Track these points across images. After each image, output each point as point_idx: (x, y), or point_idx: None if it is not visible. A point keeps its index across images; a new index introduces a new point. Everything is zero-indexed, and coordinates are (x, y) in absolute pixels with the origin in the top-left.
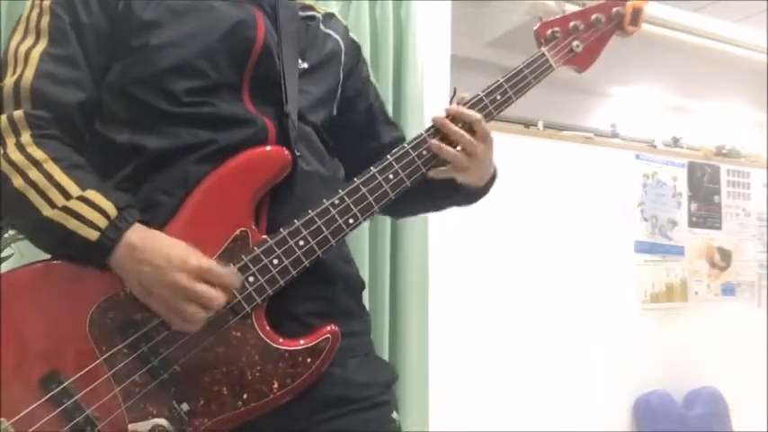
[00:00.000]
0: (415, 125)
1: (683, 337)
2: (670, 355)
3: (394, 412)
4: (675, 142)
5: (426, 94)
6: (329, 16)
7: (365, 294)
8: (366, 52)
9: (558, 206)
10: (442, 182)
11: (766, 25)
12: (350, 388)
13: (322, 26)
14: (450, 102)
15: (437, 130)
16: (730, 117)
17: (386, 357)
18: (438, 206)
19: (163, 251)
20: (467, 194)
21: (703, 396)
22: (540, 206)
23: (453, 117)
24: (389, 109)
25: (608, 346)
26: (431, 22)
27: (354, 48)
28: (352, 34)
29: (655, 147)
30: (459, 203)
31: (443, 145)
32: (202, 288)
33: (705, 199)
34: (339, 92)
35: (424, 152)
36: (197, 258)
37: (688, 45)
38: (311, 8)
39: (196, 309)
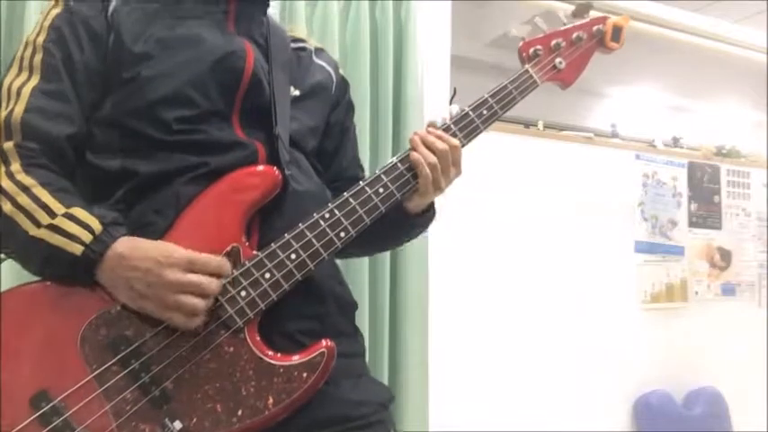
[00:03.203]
0: (415, 125)
1: (683, 337)
2: (670, 355)
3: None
4: (675, 142)
5: (426, 94)
6: (320, 50)
7: (365, 298)
8: (366, 52)
9: (558, 206)
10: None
11: (766, 25)
12: (345, 406)
13: (314, 57)
14: (450, 102)
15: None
16: (730, 117)
17: (386, 359)
18: (378, 246)
19: (148, 254)
20: (411, 225)
21: (703, 396)
22: (539, 206)
23: (434, 138)
24: (389, 109)
25: (608, 346)
26: (431, 22)
27: (344, 83)
28: (341, 71)
29: (655, 147)
30: (397, 239)
31: (425, 158)
32: (193, 277)
33: (705, 199)
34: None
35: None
36: (180, 251)
37: (688, 45)
38: (303, 40)
39: (192, 299)
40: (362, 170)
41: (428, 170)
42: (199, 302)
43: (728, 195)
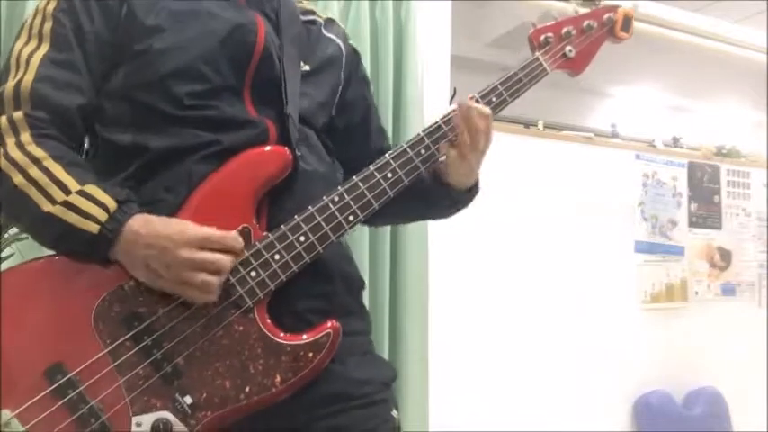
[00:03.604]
0: (415, 125)
1: (683, 337)
2: (670, 355)
3: (393, 410)
4: (675, 142)
5: (426, 94)
6: (330, 21)
7: (365, 295)
8: (366, 52)
9: (558, 206)
10: (429, 186)
11: (766, 25)
12: (349, 385)
13: (324, 30)
14: (450, 102)
15: (449, 120)
16: (730, 117)
17: (386, 357)
18: (420, 214)
19: (163, 232)
20: (452, 199)
21: (703, 396)
22: (539, 206)
23: (468, 108)
24: (389, 109)
25: (608, 346)
26: (431, 22)
27: (355, 54)
28: (351, 41)
29: (655, 147)
30: (441, 211)
31: (472, 110)
32: (207, 255)
33: (705, 199)
34: (339, 94)
35: (422, 151)
36: (194, 229)
37: (688, 45)
38: (312, 12)
39: (207, 276)
40: (387, 138)
41: (475, 126)
42: (214, 279)
43: (728, 195)
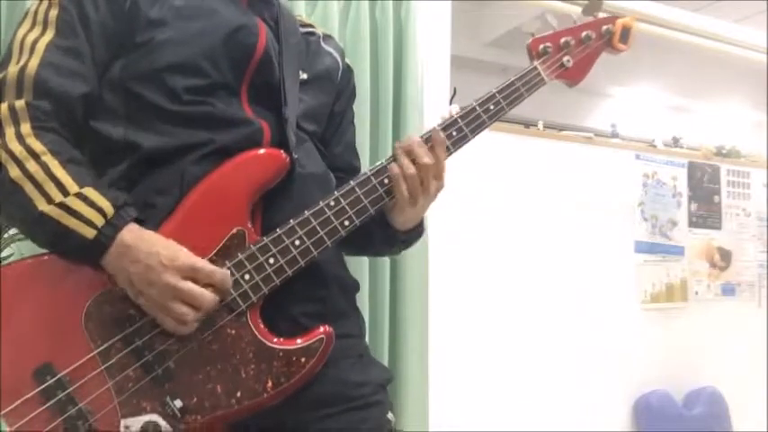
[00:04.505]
0: (414, 125)
1: (683, 337)
2: (670, 355)
3: (389, 413)
4: (675, 142)
5: (426, 94)
6: (328, 36)
7: (365, 295)
8: (366, 52)
9: (558, 206)
10: (376, 225)
11: (766, 25)
12: (344, 387)
13: (323, 43)
14: (450, 102)
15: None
16: (730, 117)
17: (386, 357)
18: (364, 250)
19: (153, 251)
20: (395, 240)
21: (703, 396)
22: (539, 206)
23: (415, 146)
24: (389, 109)
25: (608, 346)
26: (431, 22)
27: (349, 71)
28: (347, 60)
29: (655, 147)
30: (381, 249)
31: (406, 169)
32: (191, 287)
33: (705, 199)
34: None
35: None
36: (187, 257)
37: (688, 45)
38: (311, 26)
39: (186, 309)
40: (358, 158)
41: (404, 184)
42: (190, 313)
43: (728, 195)
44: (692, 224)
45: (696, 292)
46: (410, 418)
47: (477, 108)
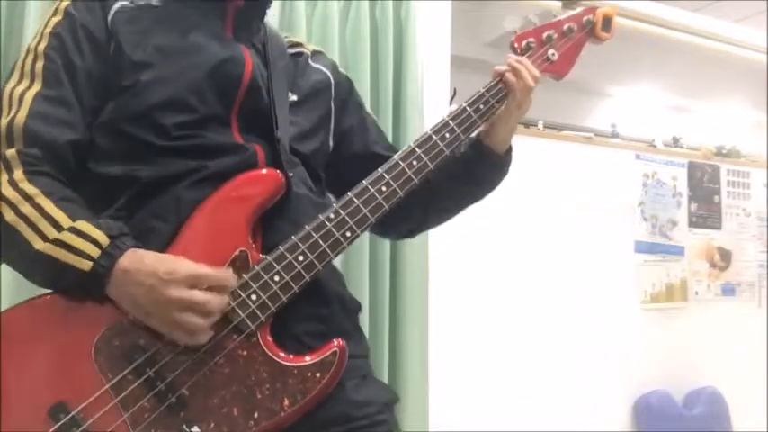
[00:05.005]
0: (415, 125)
1: (683, 337)
2: (670, 355)
3: None
4: (675, 142)
5: (426, 94)
6: (317, 53)
7: (365, 295)
8: (366, 52)
9: (558, 206)
10: (460, 166)
11: (766, 25)
12: (348, 406)
13: (311, 61)
14: (450, 102)
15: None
16: (730, 117)
17: (386, 357)
18: (455, 202)
19: (151, 269)
20: (487, 168)
21: (703, 396)
22: (539, 206)
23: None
24: (389, 109)
25: (608, 347)
26: (431, 22)
27: (346, 81)
28: (342, 69)
29: (655, 147)
30: (475, 191)
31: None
32: (196, 295)
33: (705, 199)
34: (333, 124)
35: (414, 162)
36: (185, 267)
37: (688, 45)
38: (300, 45)
39: (196, 318)
40: (386, 139)
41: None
42: (201, 322)
43: (728, 195)
44: (692, 224)
45: (696, 292)
46: (410, 418)
47: (468, 109)
